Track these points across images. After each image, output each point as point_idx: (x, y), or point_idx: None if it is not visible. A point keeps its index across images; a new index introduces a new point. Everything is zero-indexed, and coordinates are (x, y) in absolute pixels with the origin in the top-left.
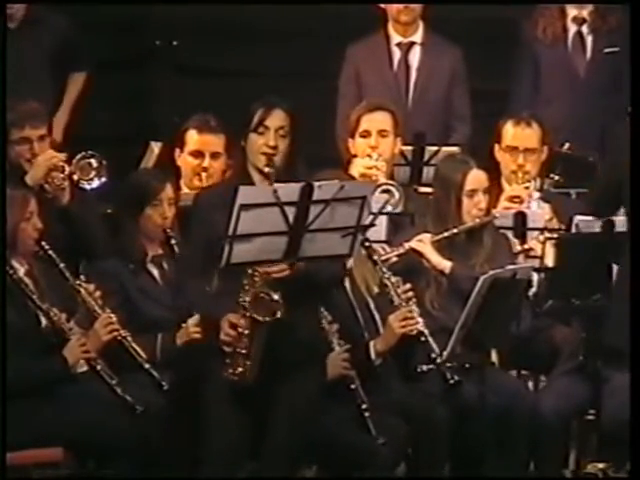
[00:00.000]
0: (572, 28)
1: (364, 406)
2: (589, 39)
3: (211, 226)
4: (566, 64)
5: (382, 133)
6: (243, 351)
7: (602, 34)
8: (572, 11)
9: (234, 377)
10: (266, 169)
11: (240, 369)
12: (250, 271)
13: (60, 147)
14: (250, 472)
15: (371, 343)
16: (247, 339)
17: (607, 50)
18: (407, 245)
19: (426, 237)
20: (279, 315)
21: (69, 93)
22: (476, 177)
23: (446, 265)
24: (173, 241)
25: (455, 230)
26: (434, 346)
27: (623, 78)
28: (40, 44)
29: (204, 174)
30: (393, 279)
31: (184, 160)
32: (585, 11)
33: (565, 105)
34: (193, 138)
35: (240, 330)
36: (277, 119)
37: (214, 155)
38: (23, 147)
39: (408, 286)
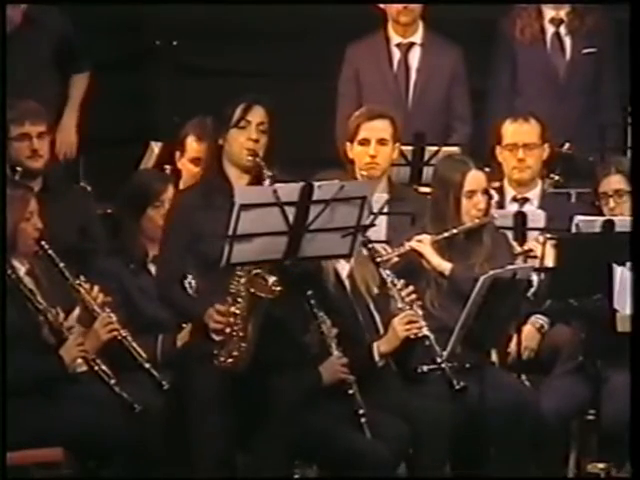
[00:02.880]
0: (550, 29)
1: (361, 411)
2: (567, 40)
3: (188, 229)
4: (546, 65)
5: (381, 142)
6: (240, 334)
7: (580, 35)
8: (549, 12)
9: (227, 364)
10: (249, 158)
11: (235, 353)
12: None
13: (76, 148)
14: (245, 469)
15: (374, 344)
16: (244, 321)
17: (585, 51)
18: (407, 245)
19: (426, 238)
20: (277, 292)
21: (74, 96)
22: (475, 178)
23: (446, 267)
24: None
25: (455, 230)
26: (438, 350)
27: (602, 78)
28: (39, 46)
29: None
30: (397, 282)
31: (184, 165)
32: (562, 12)
33: (545, 106)
34: (192, 146)
35: (237, 312)
36: (258, 115)
37: None
38: (23, 143)
39: (411, 289)
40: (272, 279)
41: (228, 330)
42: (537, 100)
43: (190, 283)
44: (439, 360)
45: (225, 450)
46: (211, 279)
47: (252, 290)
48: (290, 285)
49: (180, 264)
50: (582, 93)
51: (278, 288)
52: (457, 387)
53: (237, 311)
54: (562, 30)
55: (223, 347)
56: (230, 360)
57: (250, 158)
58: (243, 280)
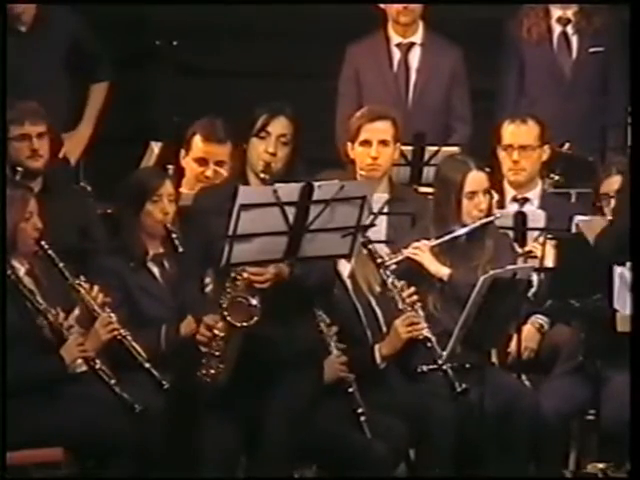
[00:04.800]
0: (557, 28)
1: (360, 410)
2: (574, 39)
3: (208, 230)
4: (552, 64)
5: (383, 143)
6: (217, 353)
7: (587, 34)
8: (557, 11)
9: (206, 378)
10: (262, 175)
11: (212, 371)
12: (233, 274)
13: (79, 155)
14: (246, 471)
15: (376, 347)
16: (222, 342)
17: (592, 50)
18: (405, 253)
19: (424, 245)
20: (255, 320)
21: (92, 106)
22: (476, 178)
23: (445, 273)
24: (174, 235)
25: (455, 234)
26: (440, 352)
27: (609, 78)
28: (53, 46)
29: (206, 182)
30: (397, 283)
31: (188, 164)
32: (570, 11)
33: (551, 105)
34: (198, 146)
35: (216, 332)
36: (280, 126)
37: (218, 163)
38: (23, 144)
39: (412, 290)
40: (254, 303)
41: (212, 345)
42: (543, 100)
43: (207, 285)
44: (440, 362)
45: (228, 450)
46: (226, 282)
47: (229, 319)
48: (291, 286)
49: (196, 265)
50: (588, 93)
51: (255, 318)
52: (459, 390)
53: (216, 331)
54: (569, 30)
55: (206, 360)
56: (209, 375)
57: (262, 169)
58: (227, 300)
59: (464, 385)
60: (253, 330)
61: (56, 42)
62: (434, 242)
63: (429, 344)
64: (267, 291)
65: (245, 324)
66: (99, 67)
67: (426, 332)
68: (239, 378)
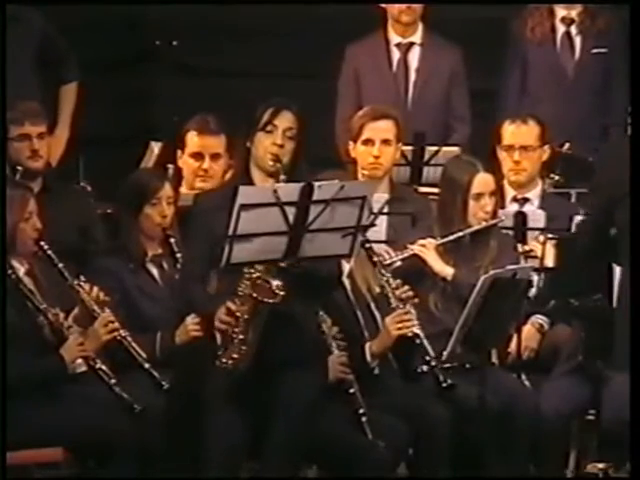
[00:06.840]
0: (561, 28)
1: (361, 410)
2: (577, 40)
3: (211, 230)
4: (554, 64)
5: (385, 142)
6: (240, 336)
7: (590, 35)
8: (561, 11)
9: (227, 365)
10: (271, 163)
11: (235, 356)
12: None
13: (60, 156)
14: (249, 471)
15: (367, 345)
16: (245, 324)
17: (595, 51)
18: (410, 249)
19: (430, 243)
20: (280, 297)
21: (65, 108)
22: (482, 180)
23: (448, 272)
24: (172, 240)
25: (461, 233)
26: (429, 348)
27: (611, 79)
28: (20, 43)
29: (204, 176)
30: (392, 281)
31: (185, 161)
32: (574, 12)
33: (553, 105)
34: (193, 140)
35: (239, 315)
36: (286, 120)
37: (214, 156)
38: (23, 144)
39: (406, 288)
40: (275, 283)
41: (230, 331)
42: (545, 99)
43: (212, 284)
44: (428, 358)
45: (230, 450)
46: (229, 281)
47: (254, 295)
48: (295, 285)
49: (201, 265)
50: (590, 93)
51: (281, 292)
52: (444, 384)
53: (238, 314)
54: (573, 30)
55: (226, 348)
56: (230, 362)
57: (272, 163)
58: (247, 283)
59: (449, 381)
60: (276, 308)
61: (25, 42)
62: (440, 241)
63: (417, 341)
64: (285, 275)
65: (271, 300)
66: (67, 68)
67: (416, 329)
68: (259, 362)
